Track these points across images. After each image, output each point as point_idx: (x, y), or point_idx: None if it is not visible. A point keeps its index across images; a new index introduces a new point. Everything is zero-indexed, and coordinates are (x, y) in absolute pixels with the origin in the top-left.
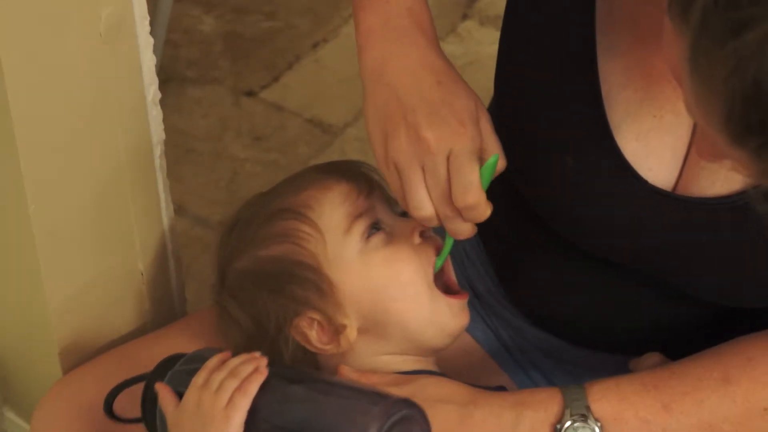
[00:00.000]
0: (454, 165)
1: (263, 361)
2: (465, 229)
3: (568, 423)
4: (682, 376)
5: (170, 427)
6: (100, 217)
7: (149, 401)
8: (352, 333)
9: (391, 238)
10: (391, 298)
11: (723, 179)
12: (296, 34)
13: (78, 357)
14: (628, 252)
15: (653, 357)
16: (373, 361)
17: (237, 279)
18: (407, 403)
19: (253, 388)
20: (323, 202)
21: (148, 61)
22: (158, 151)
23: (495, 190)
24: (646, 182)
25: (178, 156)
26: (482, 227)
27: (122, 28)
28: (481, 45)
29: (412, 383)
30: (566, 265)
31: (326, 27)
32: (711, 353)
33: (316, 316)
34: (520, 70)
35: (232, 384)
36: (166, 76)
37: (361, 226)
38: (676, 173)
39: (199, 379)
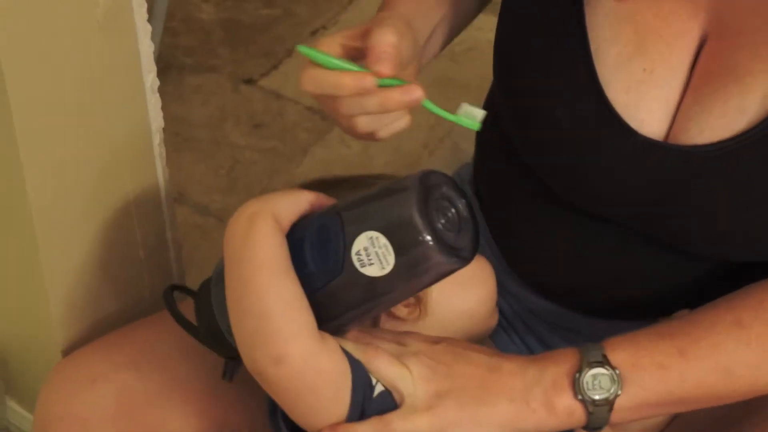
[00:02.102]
0: None
1: None
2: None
3: (587, 370)
4: (696, 324)
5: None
6: (100, 205)
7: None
8: (429, 305)
9: None
10: (471, 288)
11: (711, 128)
12: (295, 21)
13: (78, 346)
14: (620, 204)
15: (684, 314)
16: None
17: None
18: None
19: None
20: None
21: (146, 49)
22: (157, 138)
23: (495, 154)
24: (636, 133)
25: (178, 144)
26: (481, 188)
27: (120, 16)
28: (480, 31)
29: (443, 340)
30: (562, 228)
31: (325, 14)
32: (723, 300)
33: None
34: (515, 33)
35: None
36: (165, 64)
37: None
38: (666, 124)
39: None
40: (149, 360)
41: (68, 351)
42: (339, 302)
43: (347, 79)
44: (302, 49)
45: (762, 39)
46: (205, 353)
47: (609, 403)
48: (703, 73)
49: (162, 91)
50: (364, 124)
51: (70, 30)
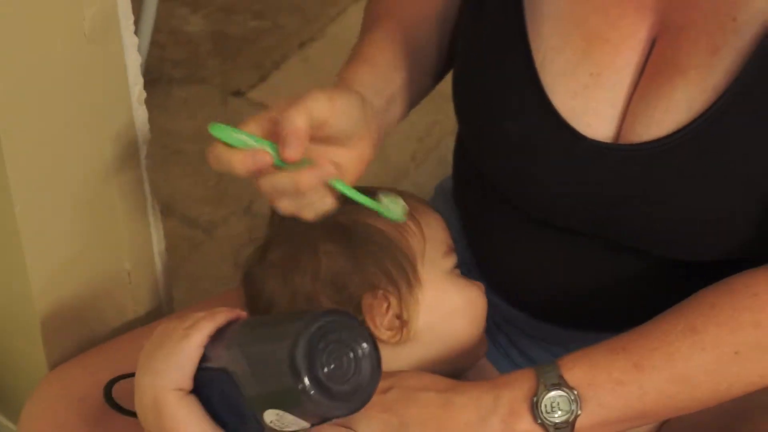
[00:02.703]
0: None
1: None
2: None
3: (544, 394)
4: (648, 335)
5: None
6: (87, 217)
7: None
8: (413, 330)
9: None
10: (459, 319)
11: (657, 123)
12: (284, 33)
13: (65, 358)
14: (578, 211)
15: None
16: (403, 366)
17: (319, 234)
18: (331, 311)
19: (221, 317)
20: (430, 218)
21: (133, 61)
22: (144, 151)
23: (468, 168)
24: (584, 138)
25: (166, 156)
26: (459, 201)
27: (107, 28)
28: None
29: (393, 376)
30: (530, 240)
31: (313, 26)
32: (674, 309)
33: (394, 300)
34: (466, 53)
35: (203, 315)
36: (153, 77)
37: (454, 258)
38: (615, 125)
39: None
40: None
41: (55, 364)
42: None
43: (238, 157)
44: (212, 128)
45: (702, 32)
46: None
47: (570, 425)
48: (651, 72)
49: (150, 103)
50: (285, 205)
51: (57, 42)
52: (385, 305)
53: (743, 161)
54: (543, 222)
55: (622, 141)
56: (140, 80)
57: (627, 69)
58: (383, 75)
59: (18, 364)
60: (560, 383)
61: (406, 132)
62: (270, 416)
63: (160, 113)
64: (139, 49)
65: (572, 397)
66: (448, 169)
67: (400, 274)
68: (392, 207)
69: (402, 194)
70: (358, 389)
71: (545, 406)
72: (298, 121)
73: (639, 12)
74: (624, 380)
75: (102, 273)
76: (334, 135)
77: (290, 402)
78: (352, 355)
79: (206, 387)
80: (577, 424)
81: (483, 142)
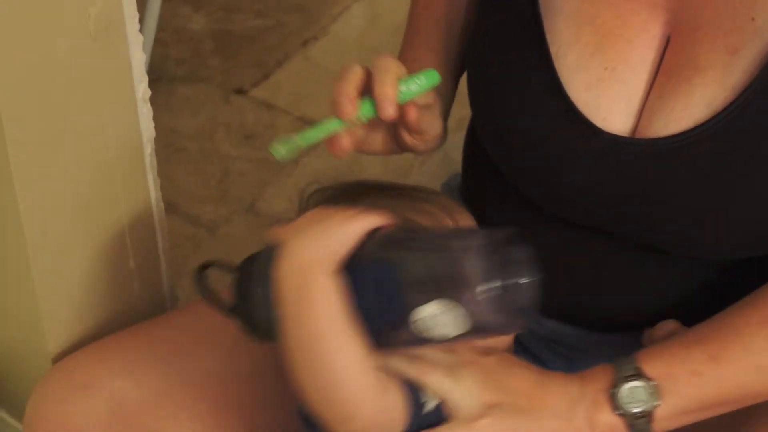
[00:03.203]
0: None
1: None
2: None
3: (623, 385)
4: (722, 327)
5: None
6: (91, 215)
7: (247, 278)
8: None
9: None
10: None
11: (675, 120)
12: (286, 31)
13: (69, 355)
14: (594, 206)
15: (668, 324)
16: None
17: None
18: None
19: (381, 218)
20: (466, 221)
21: (138, 59)
22: (148, 149)
23: (478, 165)
24: (601, 131)
25: (169, 155)
26: (469, 197)
27: (111, 26)
28: None
29: (492, 353)
30: (544, 238)
31: (316, 25)
32: (746, 301)
33: None
34: (480, 49)
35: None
36: (156, 75)
37: None
38: (631, 121)
39: None
40: (142, 367)
41: (58, 360)
42: (395, 344)
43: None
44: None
45: (719, 31)
46: (198, 360)
47: (648, 415)
48: (668, 70)
49: (153, 101)
50: (407, 139)
51: (62, 40)
52: None
53: (761, 161)
54: (559, 218)
55: (639, 134)
56: (145, 78)
57: (642, 65)
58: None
59: (22, 361)
60: (638, 375)
61: None
62: (426, 311)
63: (163, 111)
64: (144, 48)
65: (650, 388)
66: (451, 168)
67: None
68: (280, 147)
69: (438, 195)
70: (521, 313)
71: (624, 397)
72: (388, 87)
73: (651, 9)
74: (701, 371)
75: (106, 271)
76: None
77: (459, 294)
78: (522, 281)
79: (356, 275)
80: (656, 415)
81: (498, 135)
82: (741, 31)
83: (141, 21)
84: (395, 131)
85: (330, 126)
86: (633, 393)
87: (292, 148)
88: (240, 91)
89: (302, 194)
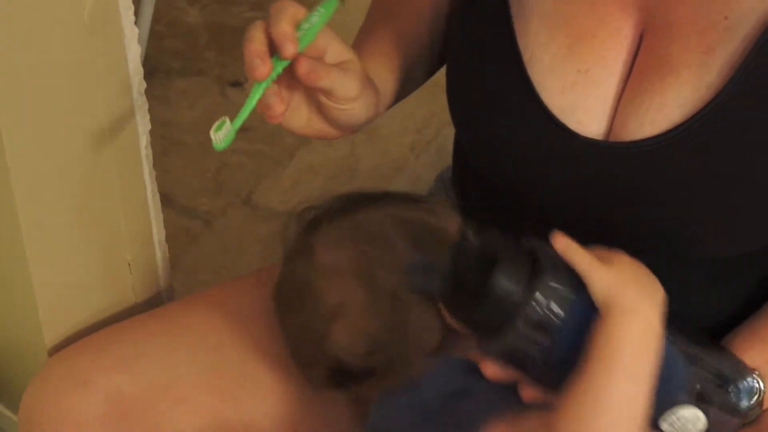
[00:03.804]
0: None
1: None
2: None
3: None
4: None
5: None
6: (87, 208)
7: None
8: None
9: None
10: None
11: (650, 122)
12: None
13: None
14: (574, 210)
15: None
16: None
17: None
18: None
19: None
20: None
21: (134, 51)
22: (144, 141)
23: (467, 169)
24: (576, 135)
25: (165, 147)
26: (460, 198)
27: (107, 19)
28: None
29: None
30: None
31: None
32: None
33: None
34: (457, 54)
35: None
36: (152, 68)
37: None
38: (606, 124)
39: None
40: (139, 361)
41: (55, 352)
42: None
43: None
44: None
45: (692, 30)
46: (195, 353)
47: (759, 405)
48: (641, 69)
49: (148, 94)
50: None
51: (57, 33)
52: None
53: (738, 160)
54: (543, 220)
55: (614, 138)
56: (140, 71)
57: (615, 65)
58: (396, 82)
59: (18, 353)
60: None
61: (404, 123)
62: (685, 412)
63: (159, 104)
64: (139, 40)
65: (756, 380)
66: (447, 160)
67: None
68: (223, 133)
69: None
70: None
71: (732, 394)
72: (283, 25)
73: (624, 8)
74: None
75: (102, 263)
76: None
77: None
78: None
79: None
80: (766, 401)
81: (476, 141)
82: (714, 29)
83: (136, 13)
84: (317, 102)
85: (255, 94)
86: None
87: (228, 131)
88: (236, 84)
89: (298, 217)
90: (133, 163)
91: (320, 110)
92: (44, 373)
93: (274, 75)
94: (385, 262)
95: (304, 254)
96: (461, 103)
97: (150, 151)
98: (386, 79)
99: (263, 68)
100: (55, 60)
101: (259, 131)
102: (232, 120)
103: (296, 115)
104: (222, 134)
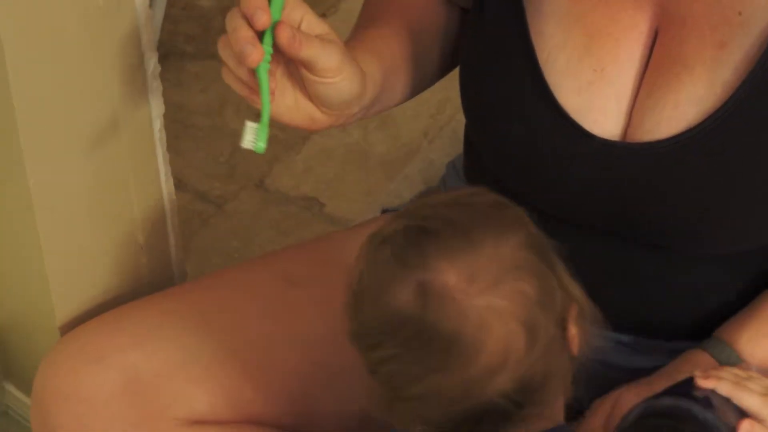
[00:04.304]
0: None
1: None
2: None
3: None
4: None
5: None
6: (100, 190)
7: None
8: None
9: None
10: None
11: (666, 120)
12: None
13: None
14: (591, 210)
15: None
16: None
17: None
18: None
19: None
20: None
21: (148, 34)
22: (158, 124)
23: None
24: (592, 135)
25: (178, 131)
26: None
27: (121, 2)
28: None
29: None
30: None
31: (325, 2)
32: None
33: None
34: (470, 57)
35: None
36: (165, 51)
37: None
38: (622, 123)
39: None
40: (153, 339)
41: (66, 333)
42: None
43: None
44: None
45: (706, 25)
46: (209, 333)
47: None
48: (656, 66)
49: (162, 77)
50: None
51: (72, 15)
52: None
53: (753, 159)
54: (558, 219)
55: (630, 138)
56: (155, 54)
57: (630, 63)
58: (385, 71)
59: (29, 335)
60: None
61: (417, 109)
62: None
63: (173, 88)
64: (153, 24)
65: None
66: (460, 146)
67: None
68: (252, 135)
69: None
70: None
71: None
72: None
73: (637, 4)
74: None
75: (115, 246)
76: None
77: None
78: None
79: None
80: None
81: (490, 142)
82: (728, 25)
83: None
84: (301, 81)
85: (263, 81)
86: None
87: (258, 131)
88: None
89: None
90: (146, 146)
91: (305, 89)
92: (59, 349)
93: (267, 56)
94: (545, 301)
95: (435, 297)
96: (475, 104)
97: (164, 135)
98: (369, 61)
99: (255, 53)
100: (69, 43)
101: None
102: (252, 120)
103: (283, 98)
104: (252, 136)
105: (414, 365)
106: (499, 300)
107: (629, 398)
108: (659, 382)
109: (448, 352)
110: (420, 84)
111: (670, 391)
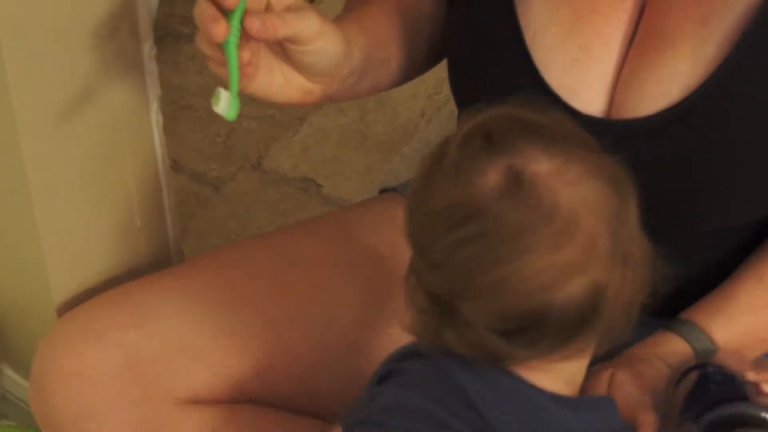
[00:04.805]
0: None
1: None
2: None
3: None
4: None
5: None
6: (97, 172)
7: None
8: None
9: None
10: None
11: (650, 97)
12: None
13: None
14: None
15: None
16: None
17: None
18: None
19: None
20: None
21: (144, 16)
22: (155, 106)
23: None
24: (579, 113)
25: (175, 112)
26: None
27: None
28: None
29: None
30: None
31: None
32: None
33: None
34: (457, 37)
35: None
36: (162, 33)
37: None
38: (606, 98)
39: None
40: (153, 319)
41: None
42: None
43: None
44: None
45: (690, 0)
46: (209, 311)
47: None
48: (641, 42)
49: (158, 59)
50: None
51: None
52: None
53: (740, 134)
54: None
55: (615, 115)
56: (151, 36)
57: (617, 39)
58: (370, 40)
59: (28, 319)
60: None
61: (414, 89)
62: None
63: (169, 69)
64: (150, 5)
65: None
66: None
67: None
68: (226, 102)
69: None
70: None
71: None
72: None
73: None
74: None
75: (112, 228)
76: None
77: None
78: None
79: None
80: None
81: None
82: (711, 0)
83: None
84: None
85: (231, 55)
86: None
87: (229, 100)
88: None
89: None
90: (143, 128)
91: (292, 62)
92: (58, 328)
93: (235, 31)
94: (623, 220)
95: (528, 181)
96: (464, 86)
97: (160, 117)
98: (352, 30)
99: (218, 27)
100: (65, 25)
101: None
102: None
103: (272, 77)
104: (224, 105)
105: (499, 246)
106: (591, 194)
107: (624, 378)
108: (641, 367)
109: (538, 234)
110: (411, 66)
111: (726, 395)
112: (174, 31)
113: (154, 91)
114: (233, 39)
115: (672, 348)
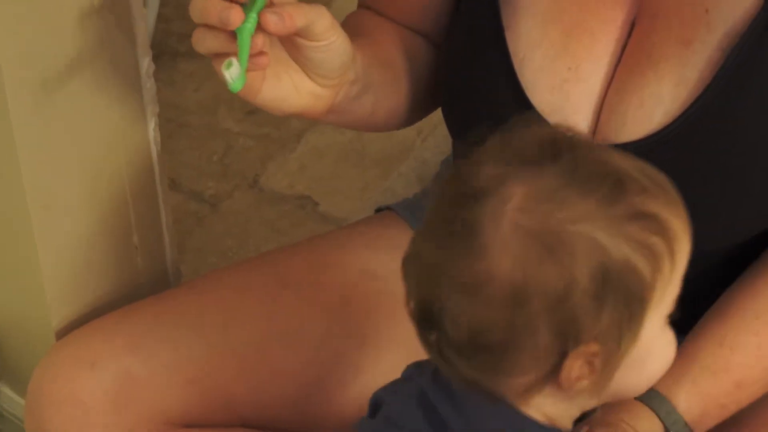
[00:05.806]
0: None
1: None
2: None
3: None
4: (742, 349)
5: None
6: (95, 191)
7: None
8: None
9: None
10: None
11: (632, 119)
12: None
13: (74, 330)
14: None
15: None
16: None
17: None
18: None
19: None
20: (682, 239)
21: (142, 33)
22: (152, 124)
23: None
24: None
25: (172, 130)
26: None
27: (116, 1)
28: None
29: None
30: None
31: (318, 0)
32: (758, 315)
33: (599, 348)
34: (449, 58)
35: None
36: (159, 51)
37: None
38: (591, 119)
39: None
40: (148, 343)
41: (62, 335)
42: None
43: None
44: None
45: (676, 20)
46: (204, 335)
47: None
48: (627, 62)
49: (155, 77)
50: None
51: (66, 13)
52: (588, 355)
53: (724, 159)
54: None
55: (600, 136)
56: (149, 53)
57: (604, 59)
58: (374, 65)
59: (26, 337)
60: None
61: None
62: None
63: (166, 87)
64: (147, 23)
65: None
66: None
67: (628, 325)
68: (236, 72)
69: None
70: None
71: None
72: None
73: None
74: (727, 403)
75: (110, 246)
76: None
77: None
78: None
79: None
80: None
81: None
82: (694, 22)
83: None
84: (295, 54)
85: (244, 42)
86: None
87: (239, 72)
88: None
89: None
90: (141, 145)
91: (300, 64)
92: (53, 354)
93: (251, 19)
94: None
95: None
96: (456, 115)
97: (158, 134)
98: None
99: (235, 13)
100: (63, 40)
101: (265, 114)
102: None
103: (281, 85)
104: (234, 73)
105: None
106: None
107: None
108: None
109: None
110: (413, 97)
111: None
112: (170, 49)
113: (151, 108)
114: (249, 26)
115: (637, 414)
